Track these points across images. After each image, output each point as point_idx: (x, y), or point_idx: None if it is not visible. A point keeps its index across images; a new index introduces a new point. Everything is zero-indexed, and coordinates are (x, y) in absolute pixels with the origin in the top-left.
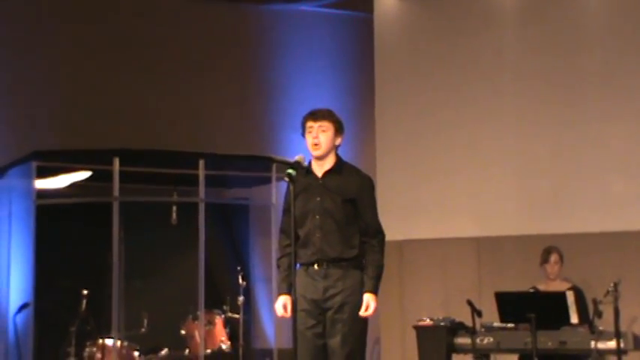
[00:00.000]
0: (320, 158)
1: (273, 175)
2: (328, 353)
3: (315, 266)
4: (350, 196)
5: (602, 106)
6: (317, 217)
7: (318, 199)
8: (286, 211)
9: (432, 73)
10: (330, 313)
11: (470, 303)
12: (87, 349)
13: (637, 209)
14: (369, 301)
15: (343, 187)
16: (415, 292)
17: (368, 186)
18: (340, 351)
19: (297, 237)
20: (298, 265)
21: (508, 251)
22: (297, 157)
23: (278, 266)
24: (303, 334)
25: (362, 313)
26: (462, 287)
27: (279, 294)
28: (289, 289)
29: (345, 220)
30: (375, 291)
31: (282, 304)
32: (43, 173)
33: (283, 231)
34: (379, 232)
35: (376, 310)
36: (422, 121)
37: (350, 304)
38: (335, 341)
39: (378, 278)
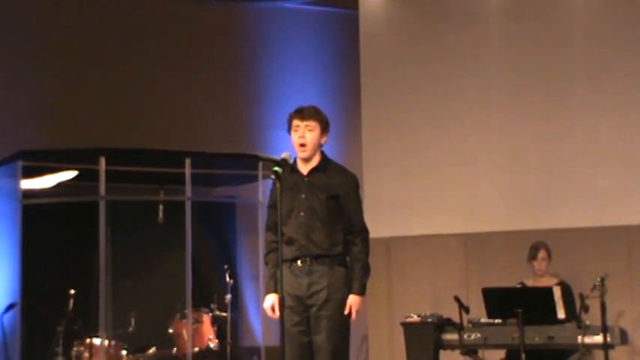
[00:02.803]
0: (306, 159)
1: (260, 173)
2: (314, 350)
3: (299, 262)
4: (334, 193)
5: (589, 100)
6: (302, 214)
7: (304, 196)
8: (271, 207)
9: (418, 69)
10: (314, 310)
11: (457, 299)
12: (74, 349)
13: (624, 204)
14: (353, 303)
15: (328, 184)
16: (403, 289)
17: (352, 183)
18: (326, 347)
19: (281, 234)
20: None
21: (495, 247)
22: (283, 155)
23: (266, 263)
24: (288, 331)
25: (346, 312)
26: (450, 283)
27: (267, 292)
28: (277, 287)
29: (330, 217)
30: (361, 292)
31: (270, 305)
32: (29, 173)
33: (269, 228)
34: (363, 230)
35: (357, 313)
36: (408, 118)
37: (334, 300)
38: (320, 338)
39: (363, 278)
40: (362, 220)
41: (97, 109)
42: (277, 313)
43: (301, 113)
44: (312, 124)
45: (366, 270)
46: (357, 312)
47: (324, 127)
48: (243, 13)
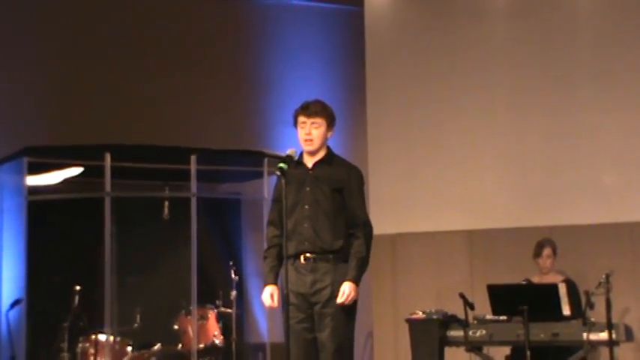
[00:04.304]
0: (312, 153)
1: (265, 169)
2: (318, 347)
3: (302, 259)
4: (338, 186)
5: (593, 97)
6: (306, 207)
7: (308, 189)
8: (275, 201)
9: (423, 65)
10: (318, 307)
11: (462, 296)
12: (80, 345)
13: (629, 200)
14: (345, 288)
15: (332, 177)
16: (408, 286)
17: (356, 176)
18: (330, 344)
19: (285, 229)
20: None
21: (500, 244)
22: (288, 152)
23: (265, 257)
24: (292, 328)
25: (338, 300)
26: (455, 280)
27: (266, 284)
28: (276, 280)
29: (334, 210)
30: (355, 280)
31: (269, 294)
32: (35, 169)
33: (271, 222)
34: (366, 224)
35: (353, 298)
36: (413, 114)
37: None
38: (324, 335)
39: (360, 268)
40: (365, 213)
41: (103, 105)
42: (275, 302)
43: (307, 110)
44: (319, 120)
45: (363, 262)
46: (351, 298)
47: (331, 123)
48: (249, 10)
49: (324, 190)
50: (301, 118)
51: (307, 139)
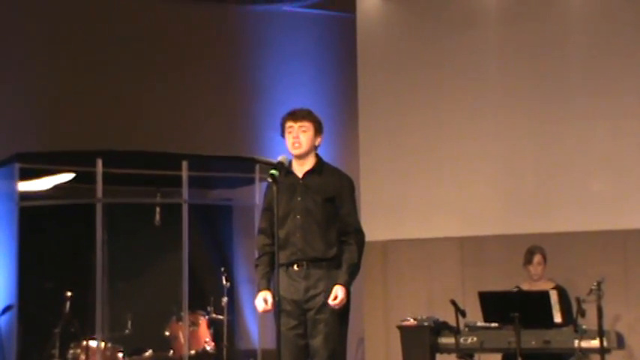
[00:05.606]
0: (300, 157)
1: (257, 176)
2: (310, 353)
3: (295, 267)
4: (330, 195)
5: (585, 104)
6: (298, 217)
7: (299, 199)
8: (265, 210)
9: (415, 72)
10: (311, 314)
11: (453, 303)
12: (71, 351)
13: (620, 208)
14: (338, 291)
15: (323, 186)
16: (399, 292)
17: (347, 185)
18: (322, 351)
19: (277, 237)
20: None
21: (492, 250)
22: (279, 158)
23: (256, 265)
24: (284, 334)
25: (330, 301)
26: (446, 287)
27: (259, 290)
28: (269, 285)
29: (326, 219)
30: (345, 284)
31: (262, 298)
32: (27, 175)
33: (262, 231)
34: (358, 231)
35: (342, 301)
36: (405, 121)
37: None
38: (317, 341)
39: (351, 274)
40: (357, 221)
41: (95, 111)
42: (270, 305)
43: (294, 115)
44: (306, 124)
45: (354, 269)
46: (341, 300)
47: (318, 128)
48: (241, 16)
49: (316, 200)
50: (288, 123)
51: (295, 142)
